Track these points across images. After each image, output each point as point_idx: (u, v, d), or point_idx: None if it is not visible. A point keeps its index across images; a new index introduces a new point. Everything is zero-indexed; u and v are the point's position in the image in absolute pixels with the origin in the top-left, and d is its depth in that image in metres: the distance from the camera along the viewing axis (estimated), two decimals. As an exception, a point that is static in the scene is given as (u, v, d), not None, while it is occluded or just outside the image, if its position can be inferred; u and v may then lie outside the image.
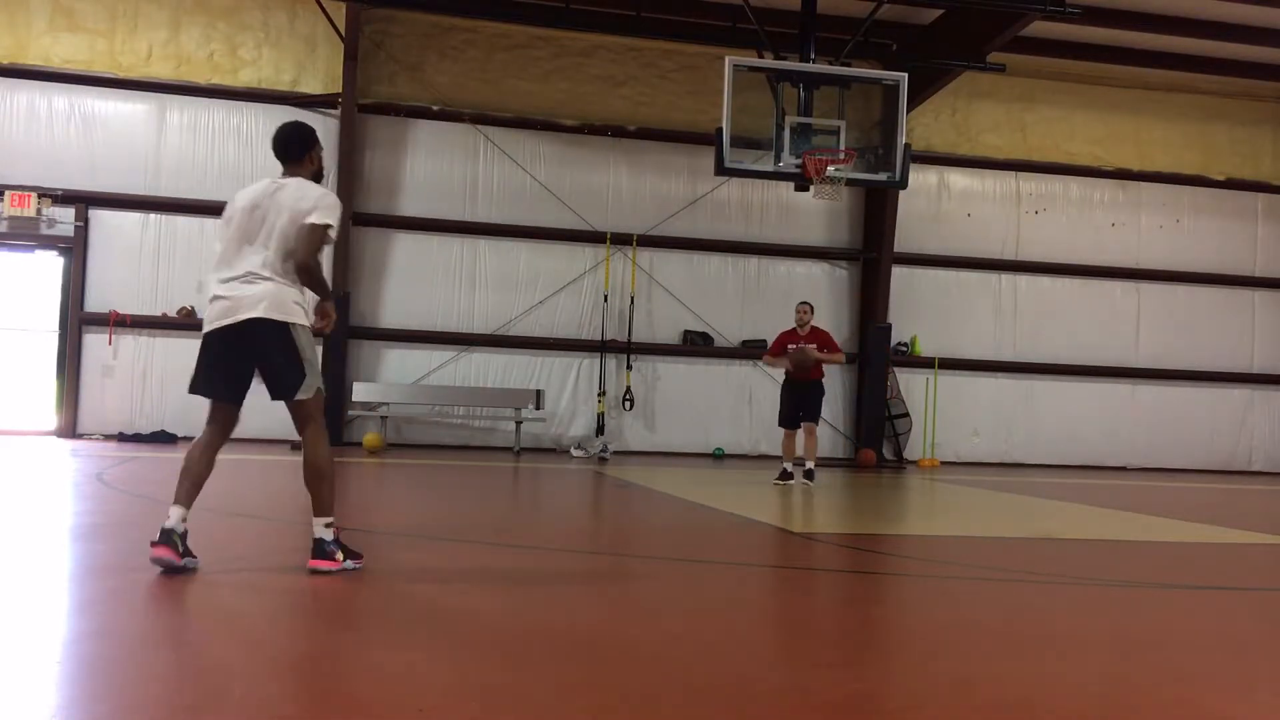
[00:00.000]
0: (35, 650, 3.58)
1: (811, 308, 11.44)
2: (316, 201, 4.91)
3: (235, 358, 4.86)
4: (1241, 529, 8.83)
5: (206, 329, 4.88)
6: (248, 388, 4.98)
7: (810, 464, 11.16)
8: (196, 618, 4.20)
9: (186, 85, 14.78)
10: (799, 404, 11.15)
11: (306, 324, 4.92)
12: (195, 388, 4.97)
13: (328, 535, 4.94)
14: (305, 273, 4.90)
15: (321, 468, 5.00)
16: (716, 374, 16.33)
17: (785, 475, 11.20)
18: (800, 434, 11.29)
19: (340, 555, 4.95)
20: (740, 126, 11.64)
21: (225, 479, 9.88)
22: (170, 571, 4.72)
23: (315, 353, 4.97)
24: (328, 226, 4.89)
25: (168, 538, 4.71)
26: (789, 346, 11.15)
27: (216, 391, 4.96)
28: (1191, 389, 17.80)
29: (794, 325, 11.32)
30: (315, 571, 4.88)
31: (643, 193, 16.20)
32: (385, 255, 15.24)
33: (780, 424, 11.52)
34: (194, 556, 4.87)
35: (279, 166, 5.20)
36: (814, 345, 11.02)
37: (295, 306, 4.86)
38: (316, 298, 5.09)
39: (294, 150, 5.10)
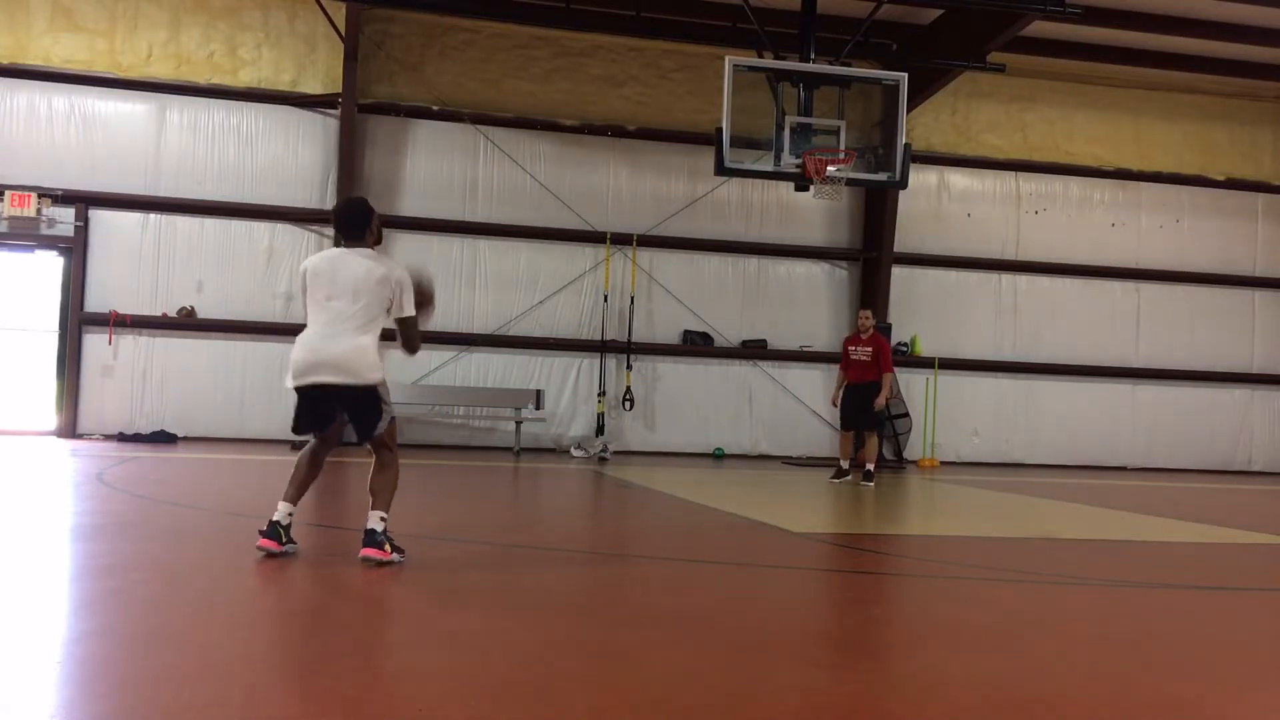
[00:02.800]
0: (35, 650, 3.58)
1: (872, 314, 12.29)
2: (395, 285, 5.36)
3: (326, 407, 5.47)
4: (1241, 529, 8.83)
5: (300, 383, 5.39)
6: (337, 419, 5.57)
7: (870, 466, 11.83)
8: (196, 618, 4.20)
9: (186, 85, 14.77)
10: (860, 408, 11.71)
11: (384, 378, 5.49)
12: (299, 430, 5.61)
13: (379, 527, 5.32)
14: (415, 349, 5.62)
15: (390, 480, 5.51)
16: (716, 374, 16.32)
17: (841, 473, 11.87)
18: (857, 436, 12.05)
19: (389, 547, 5.30)
20: (740, 126, 11.64)
21: (225, 479, 9.90)
22: (271, 556, 5.31)
23: (389, 394, 5.53)
24: (415, 315, 5.48)
25: (273, 529, 5.34)
26: (850, 349, 11.84)
27: (315, 429, 5.59)
28: (1191, 389, 17.79)
29: (856, 330, 12.18)
30: (366, 560, 5.25)
31: (643, 193, 16.19)
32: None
33: (841, 426, 12.22)
34: (294, 542, 5.47)
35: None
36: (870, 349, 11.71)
37: (378, 364, 5.41)
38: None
39: (358, 226, 5.50)
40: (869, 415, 11.71)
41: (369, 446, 5.52)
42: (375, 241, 5.57)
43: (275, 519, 5.36)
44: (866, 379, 11.65)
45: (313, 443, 5.62)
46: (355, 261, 5.38)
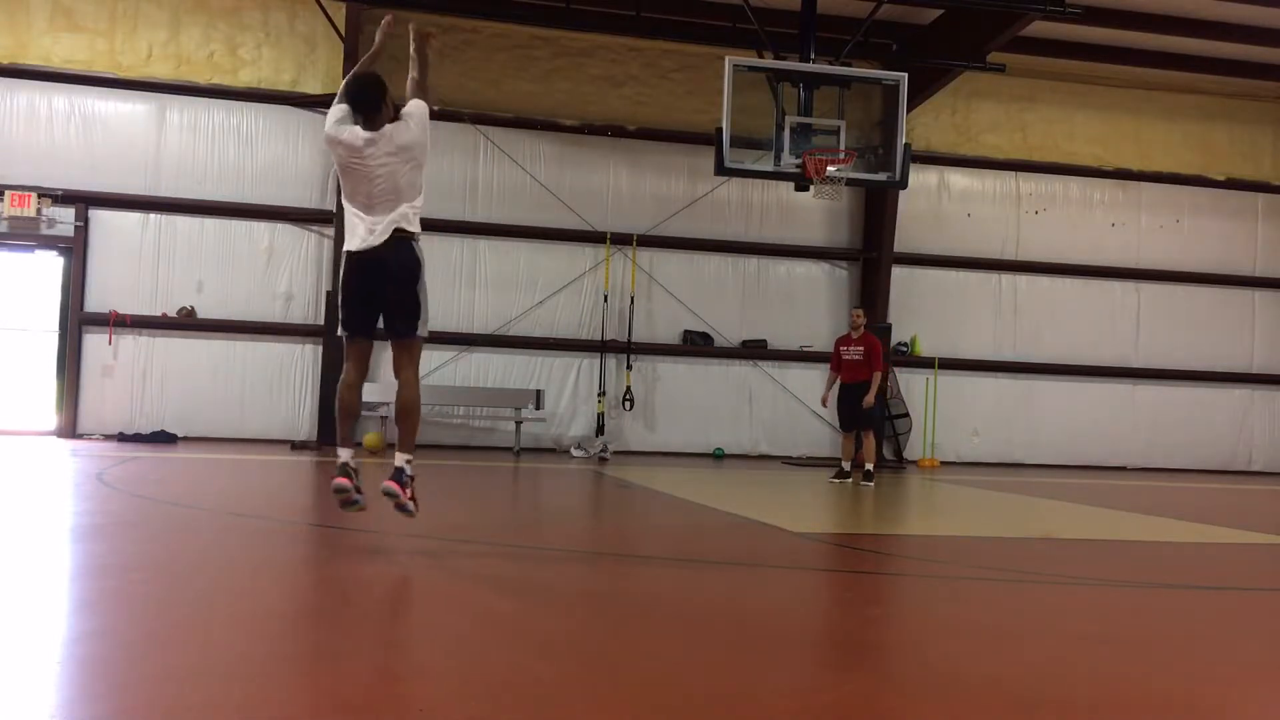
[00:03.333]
0: (35, 650, 3.58)
1: (864, 313, 12.21)
2: (415, 116, 5.75)
3: (376, 285, 5.62)
4: (1241, 529, 8.83)
5: (355, 248, 5.58)
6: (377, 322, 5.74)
7: (869, 466, 11.89)
8: (196, 617, 4.19)
9: (186, 85, 14.77)
10: (853, 408, 11.74)
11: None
12: (348, 324, 5.75)
13: (407, 469, 5.59)
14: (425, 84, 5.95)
15: (412, 406, 5.74)
16: (716, 374, 16.33)
17: (842, 474, 11.86)
18: (856, 437, 12.00)
19: (409, 491, 5.55)
20: (740, 126, 11.64)
21: (225, 479, 9.89)
22: (346, 505, 5.52)
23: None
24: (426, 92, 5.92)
25: (344, 469, 5.53)
26: (842, 349, 11.87)
27: (363, 324, 5.73)
28: (1191, 389, 17.80)
29: (846, 330, 12.13)
30: (388, 493, 5.48)
31: (643, 193, 16.20)
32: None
33: (841, 428, 12.23)
34: (363, 494, 5.61)
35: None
36: (861, 349, 11.74)
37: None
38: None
39: (375, 98, 5.74)
40: (864, 414, 11.74)
41: (399, 351, 5.70)
42: (392, 115, 5.71)
43: (344, 460, 5.56)
44: (859, 378, 11.68)
45: (348, 374, 5.72)
46: (384, 151, 5.56)
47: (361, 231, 5.57)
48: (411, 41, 6.10)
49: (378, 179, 5.55)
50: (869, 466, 11.87)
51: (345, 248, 5.68)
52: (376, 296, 5.63)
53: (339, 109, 5.81)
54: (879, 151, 12.04)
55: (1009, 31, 13.86)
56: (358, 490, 5.54)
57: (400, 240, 5.55)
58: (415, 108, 5.78)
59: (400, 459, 5.60)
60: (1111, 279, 17.60)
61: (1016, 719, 3.24)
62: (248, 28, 15.02)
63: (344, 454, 5.61)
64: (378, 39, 6.10)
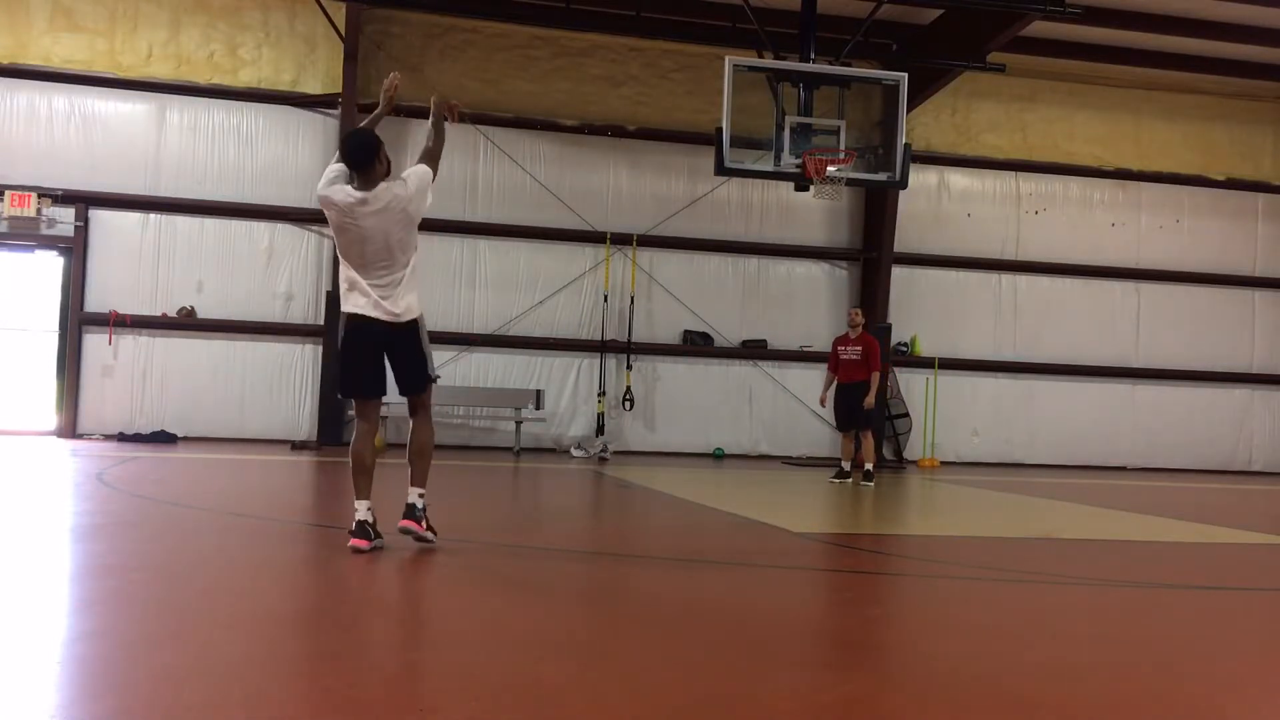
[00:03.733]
0: (35, 650, 3.58)
1: (863, 313, 12.14)
2: (415, 180, 5.65)
3: (375, 350, 5.68)
4: (1241, 529, 8.83)
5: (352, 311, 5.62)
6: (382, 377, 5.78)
7: (869, 465, 11.84)
8: (196, 618, 4.19)
9: (186, 85, 14.77)
10: (851, 408, 11.68)
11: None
12: (346, 388, 5.91)
13: (420, 503, 5.67)
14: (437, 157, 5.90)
15: (426, 447, 5.82)
16: (716, 374, 16.33)
17: (842, 474, 11.81)
18: (855, 437, 11.95)
19: (425, 524, 5.66)
20: (740, 126, 11.64)
21: (225, 479, 9.89)
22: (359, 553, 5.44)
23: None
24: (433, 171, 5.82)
25: (362, 529, 5.52)
26: (839, 349, 11.83)
27: (363, 386, 5.79)
28: (1191, 389, 17.80)
29: (845, 329, 12.03)
30: (405, 531, 5.62)
31: (643, 193, 16.20)
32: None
33: (839, 428, 12.17)
34: (381, 537, 5.58)
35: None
36: (859, 349, 11.70)
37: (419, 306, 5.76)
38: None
39: (368, 156, 5.57)
40: (862, 414, 11.66)
41: (414, 400, 5.80)
42: (385, 172, 5.62)
43: (361, 518, 5.52)
44: (856, 379, 11.61)
45: (359, 429, 5.77)
46: (374, 209, 5.47)
47: (362, 301, 5.54)
48: (432, 109, 5.98)
49: (370, 239, 5.48)
50: (868, 466, 11.84)
51: (345, 309, 5.62)
52: (380, 359, 5.67)
53: (334, 168, 5.70)
54: (879, 151, 12.04)
55: (1009, 31, 13.86)
56: (377, 535, 5.55)
57: (410, 323, 5.65)
58: (416, 170, 5.74)
59: (414, 494, 5.68)
60: (1111, 279, 17.60)
61: (1016, 719, 3.24)
62: (248, 28, 15.02)
63: (361, 509, 5.56)
64: (382, 102, 5.96)
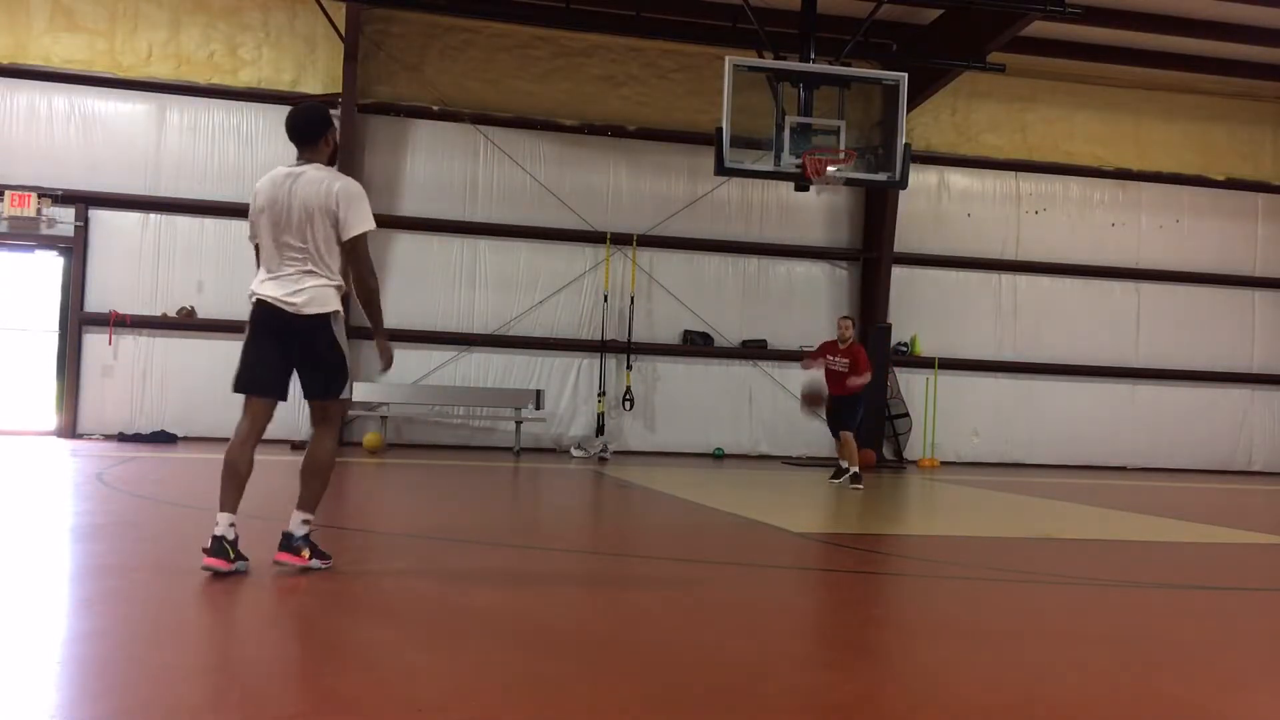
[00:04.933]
0: (35, 650, 3.58)
1: (854, 323, 11.88)
2: (342, 202, 4.85)
3: (278, 347, 4.92)
4: (1241, 529, 8.83)
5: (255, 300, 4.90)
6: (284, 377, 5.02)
7: (854, 468, 11.44)
8: (196, 618, 4.19)
9: (186, 85, 14.77)
10: (838, 412, 11.51)
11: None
12: (242, 383, 5.02)
13: (300, 531, 4.96)
14: (370, 300, 5.03)
15: (322, 465, 5.06)
16: (716, 374, 16.32)
17: (838, 472, 11.82)
18: (826, 442, 12.30)
19: (306, 553, 4.95)
20: (740, 126, 11.63)
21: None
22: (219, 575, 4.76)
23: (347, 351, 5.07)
24: (366, 233, 4.93)
25: (219, 546, 4.77)
26: (828, 357, 11.50)
27: (261, 386, 5.01)
28: (1191, 389, 17.79)
29: (835, 338, 11.70)
30: (279, 564, 4.90)
31: (643, 193, 16.20)
32: (385, 255, 15.21)
33: (832, 432, 12.01)
34: (244, 559, 4.89)
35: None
36: (846, 361, 11.33)
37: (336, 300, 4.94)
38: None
39: (309, 133, 5.02)
40: (845, 419, 11.45)
41: (315, 410, 5.04)
42: (330, 157, 5.07)
43: (219, 534, 4.78)
44: (848, 393, 11.34)
45: (243, 430, 5.00)
46: (302, 183, 4.86)
47: (268, 285, 4.86)
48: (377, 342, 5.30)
49: (290, 214, 4.83)
50: (854, 468, 11.40)
51: (252, 288, 4.93)
52: (279, 354, 4.92)
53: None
54: (879, 151, 12.03)
55: (1009, 31, 13.86)
56: (239, 558, 4.81)
57: (315, 317, 4.86)
58: (360, 205, 4.93)
59: (296, 519, 4.94)
60: (1111, 279, 17.60)
61: (1016, 719, 3.24)
62: (248, 28, 15.02)
63: (222, 523, 4.77)
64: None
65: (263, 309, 4.88)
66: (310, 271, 4.86)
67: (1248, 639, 4.65)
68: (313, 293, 4.84)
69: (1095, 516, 9.61)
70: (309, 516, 4.99)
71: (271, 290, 4.85)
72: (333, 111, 14.85)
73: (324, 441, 5.07)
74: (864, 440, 16.18)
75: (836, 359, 11.41)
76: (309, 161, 5.00)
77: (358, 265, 4.96)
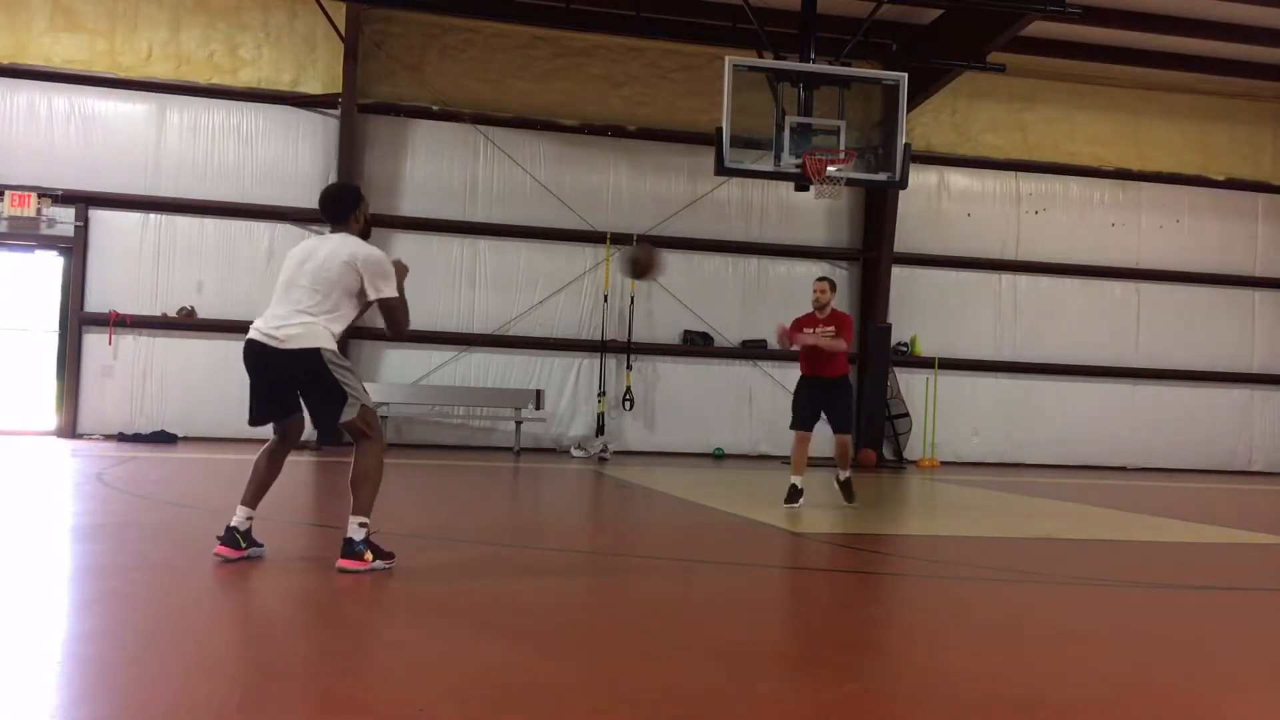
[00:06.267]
0: (35, 650, 3.58)
1: (832, 285, 9.16)
2: (367, 268, 5.07)
3: (278, 385, 5.13)
4: (1242, 529, 8.83)
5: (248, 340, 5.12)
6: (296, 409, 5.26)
7: (845, 473, 9.15)
8: (197, 618, 4.19)
9: (186, 85, 14.77)
10: (819, 405, 8.98)
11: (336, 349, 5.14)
12: (255, 418, 5.25)
13: (359, 535, 5.03)
14: (402, 332, 5.38)
15: (368, 474, 5.14)
16: (716, 374, 16.32)
17: (794, 494, 8.83)
18: (825, 441, 9.50)
19: (370, 555, 5.04)
20: (740, 126, 11.62)
21: (225, 479, 9.89)
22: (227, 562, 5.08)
23: (353, 378, 5.16)
24: (395, 296, 5.19)
25: (230, 535, 5.13)
26: (805, 330, 8.92)
27: (270, 415, 5.27)
28: (1191, 389, 17.79)
29: (811, 309, 9.07)
30: (343, 571, 4.97)
31: (643, 193, 16.20)
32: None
33: (792, 425, 9.09)
34: (259, 545, 5.25)
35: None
36: (831, 330, 8.87)
37: (329, 337, 5.08)
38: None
39: (340, 210, 5.27)
40: (840, 419, 9.04)
41: (345, 437, 5.15)
42: (361, 232, 5.31)
43: (233, 524, 5.12)
44: (834, 373, 8.94)
45: (271, 440, 5.31)
46: (326, 245, 5.13)
47: (256, 324, 5.06)
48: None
49: (302, 262, 5.10)
50: (846, 474, 9.11)
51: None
52: (272, 387, 5.10)
53: None
54: (879, 151, 12.02)
55: (1009, 31, 13.85)
56: (250, 545, 5.15)
57: (301, 352, 4.97)
58: (379, 256, 5.18)
59: (352, 525, 5.02)
60: (1111, 279, 17.59)
61: (1016, 719, 3.24)
62: (248, 28, 15.02)
63: (239, 515, 5.13)
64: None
65: (250, 345, 5.07)
66: (303, 311, 5.01)
67: (1247, 639, 4.65)
68: (299, 329, 4.97)
69: (1095, 516, 9.61)
70: (365, 520, 5.05)
71: (259, 325, 5.06)
72: (332, 112, 14.96)
73: (365, 455, 5.14)
74: (864, 440, 16.20)
75: (816, 330, 8.87)
76: (339, 233, 5.25)
77: (397, 324, 5.26)
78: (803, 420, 9.04)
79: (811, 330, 8.90)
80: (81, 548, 5.68)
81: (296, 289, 5.07)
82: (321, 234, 5.30)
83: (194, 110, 14.86)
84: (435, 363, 15.30)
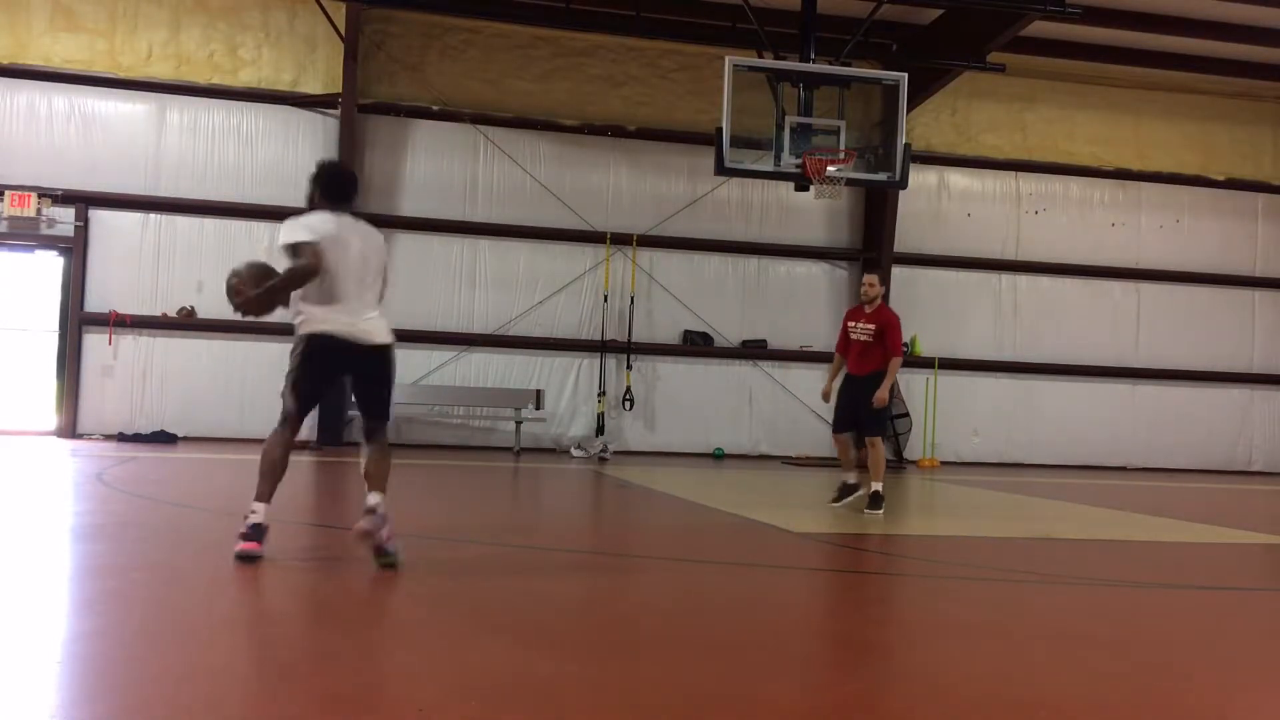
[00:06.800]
0: (35, 650, 3.58)
1: (882, 279, 9.10)
2: (384, 250, 5.66)
3: (335, 369, 5.61)
4: (1242, 529, 8.83)
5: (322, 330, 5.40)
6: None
7: (876, 485, 8.72)
8: (196, 617, 4.19)
9: (186, 85, 14.76)
10: (853, 404, 8.75)
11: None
12: (302, 393, 5.57)
13: (381, 506, 5.27)
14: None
15: (389, 459, 5.56)
16: (716, 374, 16.32)
17: (844, 491, 8.81)
18: (855, 442, 9.08)
19: (388, 529, 5.23)
20: (740, 126, 11.62)
21: (225, 479, 9.89)
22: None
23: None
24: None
25: (257, 531, 5.25)
26: (849, 325, 8.85)
27: (317, 397, 5.71)
28: (1191, 389, 17.79)
29: (860, 302, 8.96)
30: (365, 532, 5.19)
31: (643, 193, 16.19)
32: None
33: (834, 429, 9.05)
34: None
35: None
36: (871, 328, 8.67)
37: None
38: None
39: (354, 192, 5.66)
40: (870, 415, 8.71)
41: (373, 435, 5.52)
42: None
43: (261, 521, 5.24)
44: (867, 369, 8.67)
45: (286, 434, 5.48)
46: (366, 234, 5.49)
47: (343, 321, 5.32)
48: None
49: (362, 260, 5.39)
50: (877, 487, 8.72)
51: (309, 330, 5.37)
52: (337, 379, 5.59)
53: (303, 219, 5.42)
54: (879, 151, 12.02)
55: (1009, 31, 13.85)
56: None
57: (383, 347, 5.47)
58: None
59: (373, 498, 5.29)
60: (1111, 279, 17.59)
61: (1016, 719, 3.24)
62: (248, 28, 15.01)
63: (262, 512, 5.27)
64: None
65: (331, 341, 5.32)
66: (372, 305, 5.45)
67: (1247, 639, 4.65)
68: (378, 323, 5.42)
69: (1095, 516, 9.61)
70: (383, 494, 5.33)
71: (341, 319, 5.32)
72: (332, 112, 14.97)
73: (388, 449, 5.55)
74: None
75: (859, 325, 8.72)
76: (347, 214, 5.51)
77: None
78: (837, 421, 8.98)
79: (854, 325, 8.81)
80: (81, 548, 5.68)
81: (368, 284, 5.40)
82: (331, 219, 5.41)
83: (194, 110, 14.85)
84: (435, 363, 15.30)
